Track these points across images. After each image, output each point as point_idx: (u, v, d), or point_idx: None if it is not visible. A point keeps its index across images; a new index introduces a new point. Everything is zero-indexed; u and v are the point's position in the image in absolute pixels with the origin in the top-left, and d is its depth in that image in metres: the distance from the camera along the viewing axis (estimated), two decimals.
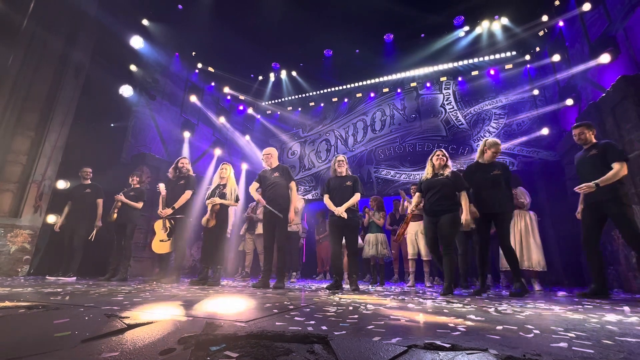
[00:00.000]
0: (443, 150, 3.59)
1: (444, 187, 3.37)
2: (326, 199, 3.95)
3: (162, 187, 4.48)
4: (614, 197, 2.93)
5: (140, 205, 4.82)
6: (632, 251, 3.92)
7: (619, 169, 2.92)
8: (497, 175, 3.32)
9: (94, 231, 4.79)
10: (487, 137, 3.61)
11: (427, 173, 3.56)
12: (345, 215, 3.71)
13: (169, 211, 4.24)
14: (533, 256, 4.08)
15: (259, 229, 6.10)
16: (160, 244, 4.27)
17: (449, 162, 3.52)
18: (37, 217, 4.91)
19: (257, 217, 6.30)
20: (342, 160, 4.03)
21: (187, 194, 4.36)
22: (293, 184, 4.00)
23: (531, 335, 1.25)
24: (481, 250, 3.40)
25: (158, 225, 4.32)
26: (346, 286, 4.15)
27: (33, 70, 5.07)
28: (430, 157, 3.59)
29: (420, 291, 3.54)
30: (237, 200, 4.24)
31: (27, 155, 4.92)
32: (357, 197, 3.83)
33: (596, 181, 2.91)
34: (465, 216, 3.24)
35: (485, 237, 3.40)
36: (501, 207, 3.25)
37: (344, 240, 4.01)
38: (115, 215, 4.61)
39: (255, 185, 4.07)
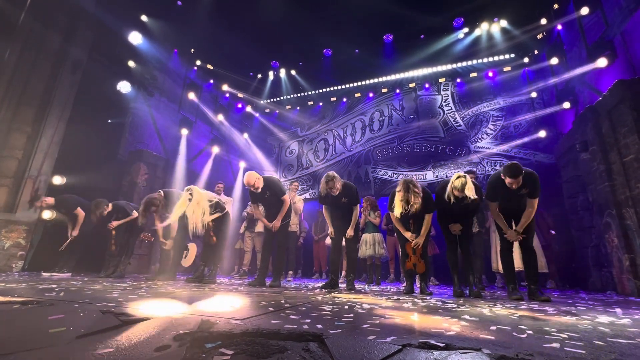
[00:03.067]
0: (412, 190, 3.27)
1: (417, 218, 3.48)
2: (325, 215, 3.97)
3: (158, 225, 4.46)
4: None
5: (135, 214, 4.73)
6: (624, 254, 3.97)
7: (534, 209, 3.11)
8: (467, 205, 3.26)
9: (67, 241, 4.66)
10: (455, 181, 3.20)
11: (397, 211, 3.32)
12: (352, 234, 3.80)
13: (170, 244, 4.34)
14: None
15: (259, 227, 6.07)
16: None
17: (416, 191, 3.28)
18: (32, 212, 4.88)
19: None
20: (332, 181, 3.63)
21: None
22: (286, 197, 3.91)
23: (524, 335, 1.26)
24: (450, 250, 3.49)
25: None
26: (342, 285, 4.16)
27: (30, 65, 5.03)
28: (401, 197, 3.27)
29: (416, 291, 3.55)
30: (220, 209, 4.15)
31: (23, 151, 4.89)
32: (356, 211, 3.86)
33: (517, 229, 3.13)
34: (419, 241, 3.42)
35: (452, 236, 3.50)
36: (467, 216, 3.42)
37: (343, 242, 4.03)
38: (114, 247, 4.60)
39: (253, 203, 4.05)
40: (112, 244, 4.57)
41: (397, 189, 3.38)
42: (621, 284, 4.09)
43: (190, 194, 3.88)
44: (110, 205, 4.74)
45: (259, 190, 3.78)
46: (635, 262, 3.85)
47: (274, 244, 3.98)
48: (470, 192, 3.08)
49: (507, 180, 2.98)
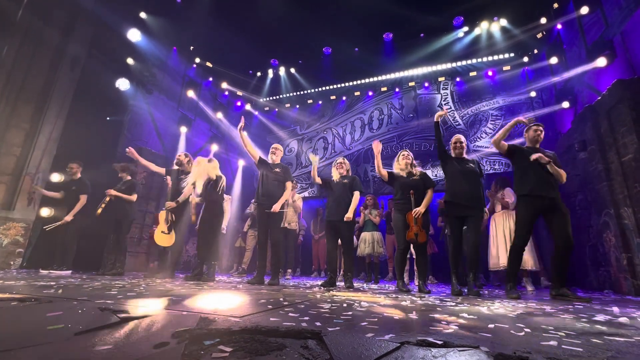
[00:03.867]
0: (407, 150, 3.92)
1: (417, 189, 3.57)
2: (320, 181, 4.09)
3: (169, 179, 4.47)
4: (559, 195, 3.06)
5: (134, 197, 4.74)
6: (622, 253, 3.98)
7: (562, 172, 3.16)
8: (471, 167, 3.43)
9: (56, 223, 4.60)
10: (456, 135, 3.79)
11: (398, 170, 3.76)
12: (350, 217, 3.81)
13: (172, 205, 4.21)
14: (524, 256, 4.10)
15: None
16: (161, 236, 4.24)
17: (415, 162, 3.81)
18: (31, 209, 4.87)
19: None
20: (341, 163, 4.17)
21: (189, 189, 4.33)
22: (289, 184, 4.03)
23: (522, 333, 1.27)
24: (454, 248, 3.35)
25: (162, 215, 4.29)
26: (341, 284, 4.17)
27: (28, 62, 5.01)
28: (397, 158, 3.83)
29: (414, 289, 3.56)
30: (220, 188, 4.21)
31: (21, 148, 4.87)
32: (357, 196, 3.88)
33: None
34: (420, 209, 3.44)
35: (458, 234, 3.36)
36: (474, 202, 3.29)
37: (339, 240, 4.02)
38: (99, 210, 4.49)
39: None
40: (100, 207, 4.51)
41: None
42: (618, 283, 4.11)
43: (210, 160, 4.22)
44: (129, 177, 4.88)
45: (275, 162, 4.10)
46: (633, 261, 3.87)
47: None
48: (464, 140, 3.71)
49: (532, 128, 3.40)
